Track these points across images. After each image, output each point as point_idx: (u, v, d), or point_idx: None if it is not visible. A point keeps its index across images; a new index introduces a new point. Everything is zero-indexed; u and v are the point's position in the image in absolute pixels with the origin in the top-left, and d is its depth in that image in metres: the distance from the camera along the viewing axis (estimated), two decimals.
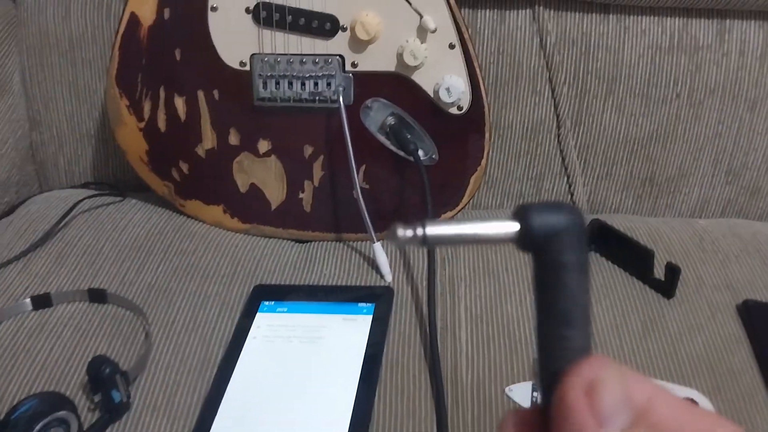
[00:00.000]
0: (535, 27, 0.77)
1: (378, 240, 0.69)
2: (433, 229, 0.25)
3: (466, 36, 0.66)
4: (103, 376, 0.52)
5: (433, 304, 0.60)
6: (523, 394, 0.56)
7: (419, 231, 0.24)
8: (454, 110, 0.68)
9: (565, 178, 0.82)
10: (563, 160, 0.81)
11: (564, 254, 0.24)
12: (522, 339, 0.61)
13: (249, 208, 0.73)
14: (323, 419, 0.53)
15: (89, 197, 0.76)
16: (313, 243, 0.74)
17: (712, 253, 0.71)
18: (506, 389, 0.56)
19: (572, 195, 0.82)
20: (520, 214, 0.25)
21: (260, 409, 0.54)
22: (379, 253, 0.68)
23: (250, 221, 0.74)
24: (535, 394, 0.56)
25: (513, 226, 0.24)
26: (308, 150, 0.71)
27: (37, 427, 0.47)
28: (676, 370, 0.59)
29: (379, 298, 0.63)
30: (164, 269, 0.67)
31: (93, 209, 0.75)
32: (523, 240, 0.24)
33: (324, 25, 0.66)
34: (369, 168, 0.70)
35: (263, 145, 0.71)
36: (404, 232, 0.25)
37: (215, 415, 0.53)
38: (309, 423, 0.52)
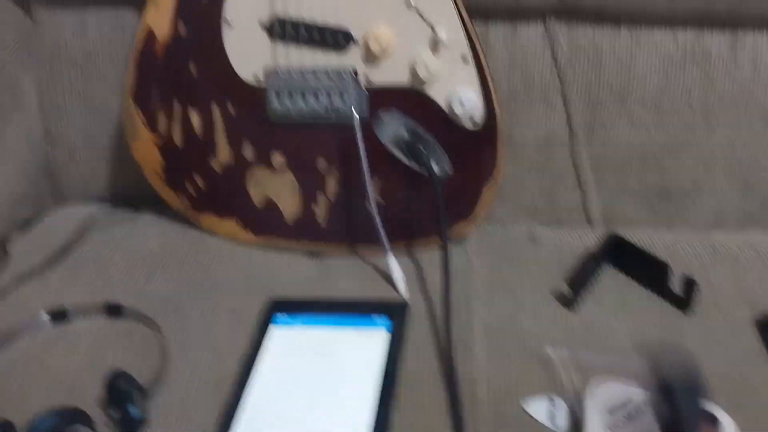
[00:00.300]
0: (547, 40, 0.77)
1: (393, 253, 0.69)
2: None
3: (478, 48, 0.66)
4: (122, 392, 0.52)
5: (449, 319, 0.60)
6: (539, 408, 0.55)
7: None
8: (467, 122, 0.68)
9: (579, 191, 0.81)
10: (577, 172, 0.80)
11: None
12: (538, 353, 0.60)
13: (263, 222, 0.74)
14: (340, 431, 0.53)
15: (105, 213, 0.76)
16: (326, 256, 0.74)
17: (728, 266, 0.71)
18: (524, 404, 0.56)
19: (586, 208, 0.82)
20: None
21: (277, 424, 0.54)
22: (394, 267, 0.68)
23: (264, 234, 0.74)
24: (552, 409, 0.55)
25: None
26: (322, 163, 0.71)
27: None
28: None
29: (394, 313, 0.63)
30: (179, 283, 0.68)
31: (108, 223, 0.76)
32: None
33: (337, 39, 0.66)
34: (382, 181, 0.71)
35: (277, 159, 0.71)
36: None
37: (232, 430, 0.53)
38: None
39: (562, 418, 0.54)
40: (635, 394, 0.53)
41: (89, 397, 0.56)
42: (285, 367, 0.58)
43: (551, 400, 0.56)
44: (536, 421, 0.55)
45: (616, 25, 0.77)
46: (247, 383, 0.57)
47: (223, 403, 0.56)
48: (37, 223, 0.79)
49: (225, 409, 0.55)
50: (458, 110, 0.66)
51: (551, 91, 0.78)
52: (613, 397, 0.53)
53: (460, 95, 0.66)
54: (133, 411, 0.52)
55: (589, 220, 0.83)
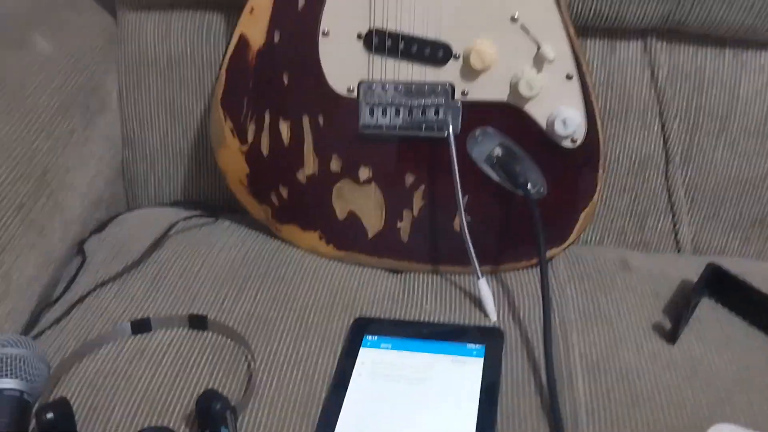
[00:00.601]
0: (646, 59, 0.74)
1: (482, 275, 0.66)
2: None
3: (584, 67, 0.63)
4: (214, 413, 0.50)
5: (549, 352, 0.57)
6: None
7: None
8: (567, 143, 0.65)
9: (671, 216, 0.78)
10: (670, 197, 0.77)
11: None
12: (643, 392, 0.57)
13: (345, 236, 0.72)
14: None
15: (183, 218, 0.75)
16: (408, 274, 0.72)
17: None
18: None
19: (677, 234, 0.79)
20: None
21: None
22: (484, 289, 0.65)
23: (346, 249, 0.72)
24: None
25: None
26: (410, 179, 0.69)
27: None
28: None
29: (488, 340, 0.60)
30: (263, 297, 0.66)
31: (186, 230, 0.74)
32: None
33: (436, 53, 0.63)
34: (472, 200, 0.68)
35: (364, 173, 0.69)
36: None
37: None
38: None
39: None
40: None
41: (176, 415, 0.54)
42: (377, 391, 0.56)
43: None
44: None
45: (721, 46, 0.73)
46: (339, 407, 0.55)
47: (313, 426, 0.54)
48: (112, 225, 0.77)
49: None
50: (560, 130, 0.63)
51: (649, 113, 0.75)
52: None
53: (564, 114, 0.63)
54: None
55: (678, 247, 0.79)
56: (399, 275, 0.71)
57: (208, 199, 0.82)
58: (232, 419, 0.51)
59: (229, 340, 0.61)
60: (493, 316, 0.65)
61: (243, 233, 0.74)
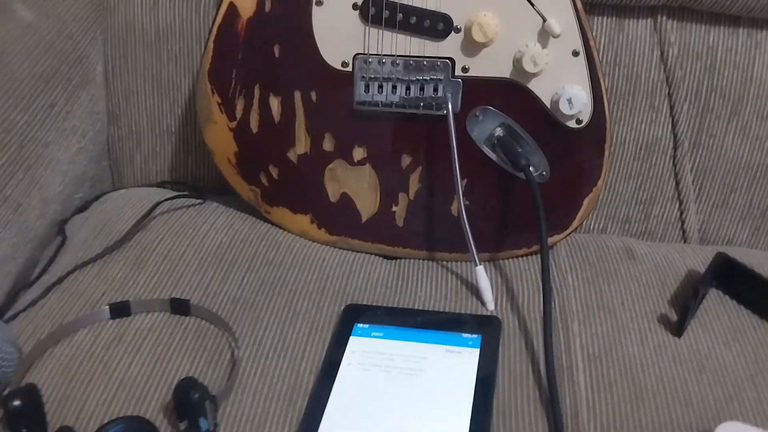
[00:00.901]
0: (656, 38, 0.71)
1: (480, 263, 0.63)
2: None
3: (591, 43, 0.60)
4: (192, 402, 0.47)
5: (549, 343, 0.54)
6: None
7: None
8: (572, 123, 0.62)
9: (677, 204, 0.75)
10: (677, 184, 0.74)
11: None
12: (648, 385, 0.54)
13: (338, 219, 0.68)
14: None
15: (169, 199, 0.72)
16: (403, 260, 0.68)
17: None
18: None
19: (683, 223, 0.75)
20: None
21: None
22: (482, 277, 0.62)
23: (338, 233, 0.69)
24: None
25: None
26: (406, 160, 0.65)
27: None
28: None
29: (485, 330, 0.57)
30: (250, 281, 0.63)
31: (172, 211, 0.71)
32: None
33: (436, 25, 0.60)
34: (470, 183, 0.65)
35: (358, 153, 0.65)
36: None
37: None
38: None
39: None
40: None
41: (153, 404, 0.51)
42: (367, 382, 0.53)
43: None
44: None
45: (734, 26, 0.70)
46: (326, 398, 0.52)
47: (299, 419, 0.51)
48: (95, 205, 0.74)
49: (301, 426, 0.50)
50: (565, 109, 0.60)
51: (657, 94, 0.71)
52: None
53: (569, 93, 0.60)
54: (203, 423, 0.47)
55: (684, 236, 0.76)
56: (393, 261, 0.68)
57: (196, 179, 0.79)
58: (212, 409, 0.48)
59: (212, 327, 0.58)
60: (491, 305, 0.62)
61: (231, 216, 0.71)
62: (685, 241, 0.76)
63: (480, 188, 0.65)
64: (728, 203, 0.74)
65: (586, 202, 0.65)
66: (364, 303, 0.61)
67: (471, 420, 0.50)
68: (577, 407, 0.52)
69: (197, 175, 0.79)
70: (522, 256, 0.67)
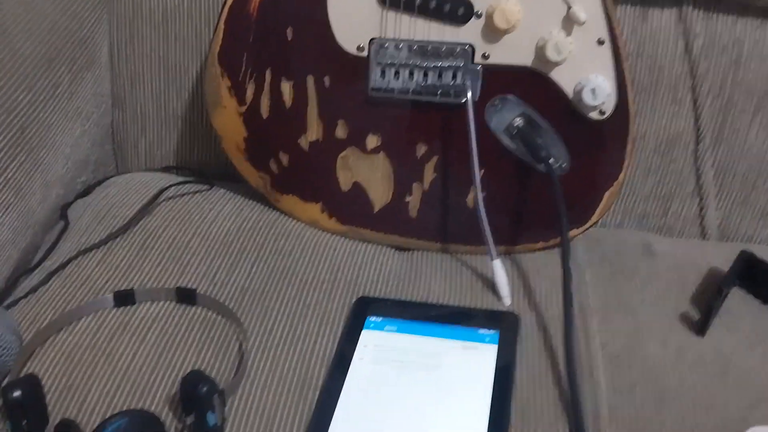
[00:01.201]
0: (681, 29, 0.68)
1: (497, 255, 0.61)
2: None
3: (617, 32, 0.57)
4: (200, 396, 0.45)
5: (570, 342, 0.52)
6: None
7: None
8: (595, 114, 0.60)
9: (698, 200, 0.73)
10: (698, 180, 0.72)
11: None
12: (671, 388, 0.52)
13: (349, 209, 0.66)
14: None
15: (176, 184, 0.70)
16: (415, 252, 0.66)
17: None
18: None
19: (702, 219, 0.73)
20: None
21: None
22: (499, 271, 0.60)
23: (350, 223, 0.67)
24: None
25: None
26: (421, 149, 0.63)
27: None
28: None
29: (503, 325, 0.55)
30: (259, 270, 0.61)
31: (178, 197, 0.69)
32: None
33: (457, 10, 0.58)
34: (488, 174, 0.63)
35: (372, 141, 0.63)
36: None
37: None
38: None
39: None
40: None
41: (158, 397, 0.49)
42: (380, 377, 0.51)
43: None
44: None
45: (763, 17, 0.68)
46: (338, 392, 0.50)
47: (309, 414, 0.49)
48: (98, 189, 0.72)
49: (312, 421, 0.48)
50: (588, 99, 0.58)
51: (681, 87, 0.69)
52: None
53: (593, 83, 0.58)
54: (210, 418, 0.46)
55: (703, 232, 0.74)
56: (405, 253, 0.66)
57: (204, 165, 0.76)
58: (220, 403, 0.46)
59: (219, 317, 0.56)
60: (508, 300, 0.60)
61: (239, 203, 0.69)
62: (704, 238, 0.74)
63: (497, 180, 0.63)
64: (750, 200, 0.72)
65: (606, 195, 0.63)
66: (376, 295, 0.59)
67: (489, 419, 0.48)
68: (599, 409, 0.50)
69: (204, 161, 0.77)
70: (539, 250, 0.65)
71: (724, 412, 0.51)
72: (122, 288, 0.57)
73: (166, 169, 0.77)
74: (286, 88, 0.62)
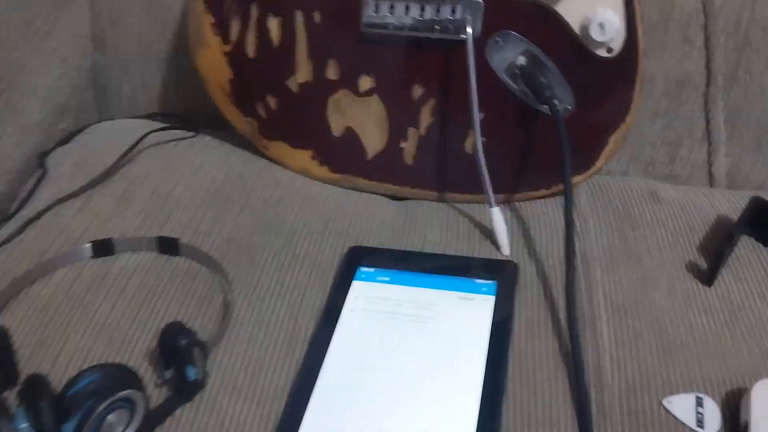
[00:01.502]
0: None
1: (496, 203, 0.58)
2: None
3: None
4: (179, 349, 0.42)
5: (572, 289, 0.49)
6: (685, 408, 0.45)
7: None
8: (602, 52, 0.56)
9: (707, 146, 0.69)
10: (707, 123, 0.68)
11: None
12: (677, 339, 0.50)
13: (341, 156, 0.63)
14: (442, 418, 0.43)
15: (158, 130, 0.66)
16: (411, 201, 0.63)
17: None
18: (664, 401, 0.45)
19: (711, 166, 0.70)
20: None
21: (362, 397, 0.44)
22: (497, 219, 0.57)
23: (342, 171, 0.64)
24: (700, 409, 0.45)
25: None
26: (417, 91, 0.60)
27: (99, 409, 0.38)
28: None
29: (501, 275, 0.52)
30: (246, 220, 0.58)
31: (162, 144, 0.66)
32: None
33: None
34: (488, 117, 0.59)
35: (365, 82, 0.60)
36: None
37: (308, 400, 0.44)
38: (424, 420, 0.43)
39: (713, 423, 0.44)
40: None
41: (136, 349, 0.47)
42: (371, 329, 0.48)
43: (698, 398, 0.45)
44: (680, 422, 0.44)
45: None
46: (327, 345, 0.47)
47: (297, 365, 0.47)
48: (79, 136, 0.69)
49: (300, 375, 0.46)
50: (596, 35, 0.54)
51: (692, 25, 0.65)
52: None
53: (601, 18, 0.54)
54: (190, 371, 0.43)
55: (710, 180, 0.71)
56: (400, 202, 0.63)
57: (189, 111, 0.73)
58: (201, 356, 0.44)
59: (203, 268, 0.53)
60: (507, 250, 0.57)
61: (226, 150, 0.66)
62: (711, 186, 0.71)
63: (498, 123, 0.60)
64: (762, 146, 0.69)
65: (612, 139, 0.60)
66: (369, 246, 0.57)
67: (486, 370, 0.45)
68: (600, 360, 0.48)
69: (190, 107, 0.73)
70: (541, 197, 0.62)
71: (733, 363, 0.48)
72: (101, 238, 0.55)
73: (151, 116, 0.73)
74: (274, 24, 0.58)
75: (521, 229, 0.59)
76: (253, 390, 0.45)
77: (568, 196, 0.54)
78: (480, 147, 0.57)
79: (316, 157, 0.63)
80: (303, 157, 0.63)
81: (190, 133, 0.68)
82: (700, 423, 0.44)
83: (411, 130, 0.61)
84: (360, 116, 0.61)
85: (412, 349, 0.47)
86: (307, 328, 0.49)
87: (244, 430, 0.43)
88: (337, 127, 0.62)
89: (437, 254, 0.56)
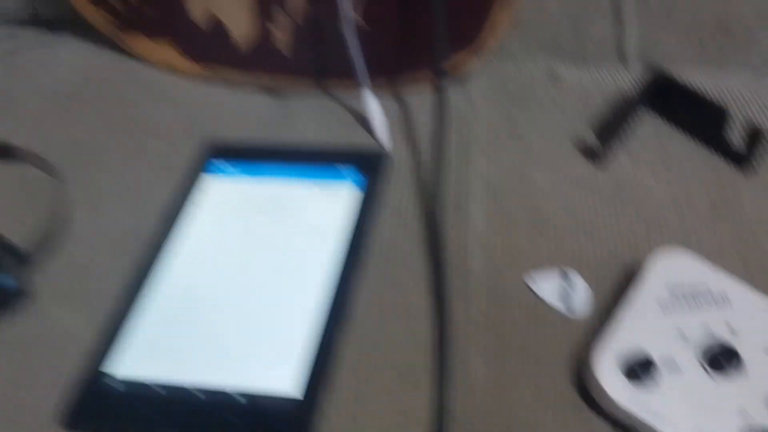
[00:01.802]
0: None
1: (371, 89, 0.53)
2: None
3: None
4: None
5: (439, 171, 0.45)
6: (546, 283, 0.42)
7: None
8: None
9: (614, 21, 0.64)
10: None
11: None
12: (551, 216, 0.46)
13: (207, 47, 0.57)
14: (287, 315, 0.39)
15: (12, 36, 0.60)
16: (288, 95, 0.58)
17: None
18: (526, 278, 0.42)
19: (620, 42, 0.65)
20: None
21: (205, 299, 0.40)
22: (373, 106, 0.53)
23: (208, 63, 0.58)
24: (564, 284, 0.42)
25: None
26: None
27: None
28: (753, 262, 0.44)
29: (368, 164, 0.48)
30: (97, 123, 0.53)
31: (16, 48, 0.60)
32: None
33: None
34: None
35: None
36: None
37: (140, 304, 0.40)
38: (269, 319, 0.39)
39: (579, 299, 0.41)
40: (715, 279, 0.39)
41: None
42: (219, 226, 0.44)
43: (565, 274, 0.42)
44: (542, 300, 0.41)
45: None
46: (167, 245, 0.43)
47: (133, 269, 0.43)
48: None
49: (135, 277, 0.42)
50: None
51: None
52: (683, 273, 0.40)
53: None
54: (6, 280, 0.39)
55: (622, 57, 0.66)
56: (276, 96, 0.58)
57: (50, 11, 0.66)
58: (18, 264, 0.40)
59: (41, 173, 0.49)
60: (384, 139, 0.52)
61: (90, 52, 0.60)
62: (623, 64, 0.66)
63: (375, 2, 0.54)
64: (673, 18, 0.64)
65: (496, 8, 0.54)
66: (230, 141, 0.52)
67: (342, 261, 0.41)
68: (467, 243, 0.44)
69: (50, 5, 0.67)
70: (425, 81, 0.57)
71: (615, 238, 0.45)
72: None
73: (9, 22, 0.67)
74: None
75: (404, 118, 0.55)
76: (83, 295, 0.42)
77: (439, 64, 0.49)
78: (349, 25, 0.52)
79: (178, 49, 0.58)
80: (164, 50, 0.58)
81: (49, 35, 0.62)
82: (564, 300, 0.41)
83: (279, 13, 0.56)
84: (223, 0, 0.55)
85: (260, 243, 0.43)
86: (148, 228, 0.45)
87: (72, 338, 0.40)
88: (198, 13, 0.56)
89: (298, 144, 0.51)
